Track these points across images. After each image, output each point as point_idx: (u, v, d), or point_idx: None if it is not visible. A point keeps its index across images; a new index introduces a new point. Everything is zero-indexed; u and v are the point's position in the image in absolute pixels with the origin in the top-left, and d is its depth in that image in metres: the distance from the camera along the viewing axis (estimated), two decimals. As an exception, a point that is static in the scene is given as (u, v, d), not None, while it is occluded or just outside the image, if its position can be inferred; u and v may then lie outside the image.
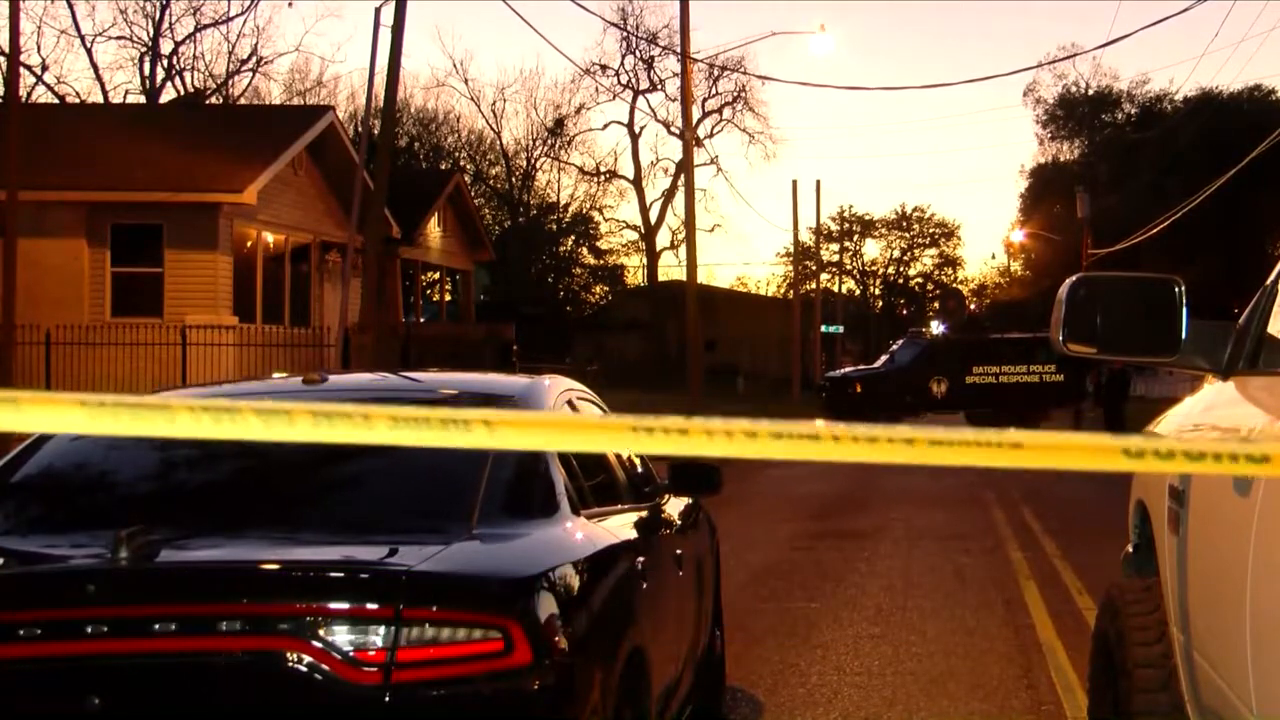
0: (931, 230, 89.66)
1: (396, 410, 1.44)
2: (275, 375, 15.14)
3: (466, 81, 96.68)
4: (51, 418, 1.40)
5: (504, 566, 4.31)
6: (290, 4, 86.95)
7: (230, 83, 56.34)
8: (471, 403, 5.56)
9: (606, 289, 70.32)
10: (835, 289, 77.36)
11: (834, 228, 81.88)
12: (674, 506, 6.46)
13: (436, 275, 46.80)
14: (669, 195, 69.38)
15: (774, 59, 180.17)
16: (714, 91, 67.34)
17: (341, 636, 3.83)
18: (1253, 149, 31.41)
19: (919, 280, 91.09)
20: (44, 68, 53.05)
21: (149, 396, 1.54)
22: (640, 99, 69.15)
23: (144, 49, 55.09)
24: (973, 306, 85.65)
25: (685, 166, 37.51)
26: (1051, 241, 61.83)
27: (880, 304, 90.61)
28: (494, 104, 76.53)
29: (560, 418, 1.65)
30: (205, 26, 55.47)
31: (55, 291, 27.25)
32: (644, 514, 5.81)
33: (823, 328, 63.22)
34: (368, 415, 1.41)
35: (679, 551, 6.17)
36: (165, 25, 54.91)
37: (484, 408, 5.03)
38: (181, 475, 5.02)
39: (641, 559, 5.25)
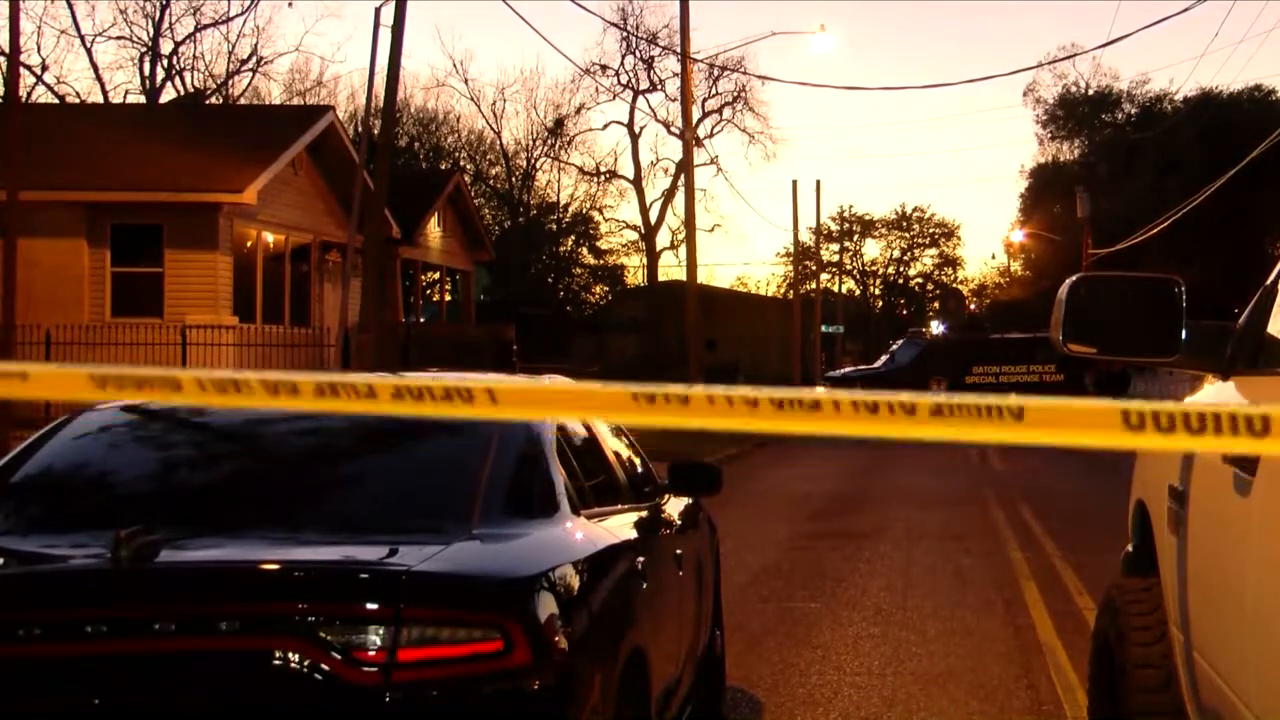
0: (931, 230, 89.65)
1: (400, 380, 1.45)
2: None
3: (466, 81, 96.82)
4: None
5: (504, 566, 4.31)
6: (290, 4, 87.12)
7: (230, 83, 56.38)
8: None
9: (606, 289, 70.27)
10: (835, 289, 77.34)
11: (834, 228, 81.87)
12: (674, 506, 6.46)
13: (436, 275, 46.79)
14: (669, 195, 69.41)
15: (774, 59, 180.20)
16: (714, 91, 67.42)
17: (341, 636, 3.82)
18: (1253, 149, 31.40)
19: (919, 280, 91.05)
20: (44, 68, 53.09)
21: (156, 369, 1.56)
22: (640, 99, 69.24)
23: (144, 49, 55.12)
24: (973, 306, 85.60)
25: (685, 166, 37.50)
26: (1051, 241, 61.84)
27: (880, 304, 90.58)
28: (494, 104, 76.67)
29: (563, 387, 1.70)
30: (205, 26, 55.54)
31: (55, 291, 27.25)
32: (644, 514, 5.81)
33: (823, 328, 63.18)
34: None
35: (679, 551, 6.17)
36: (165, 25, 54.96)
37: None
38: (181, 475, 5.02)
39: (641, 559, 5.25)
